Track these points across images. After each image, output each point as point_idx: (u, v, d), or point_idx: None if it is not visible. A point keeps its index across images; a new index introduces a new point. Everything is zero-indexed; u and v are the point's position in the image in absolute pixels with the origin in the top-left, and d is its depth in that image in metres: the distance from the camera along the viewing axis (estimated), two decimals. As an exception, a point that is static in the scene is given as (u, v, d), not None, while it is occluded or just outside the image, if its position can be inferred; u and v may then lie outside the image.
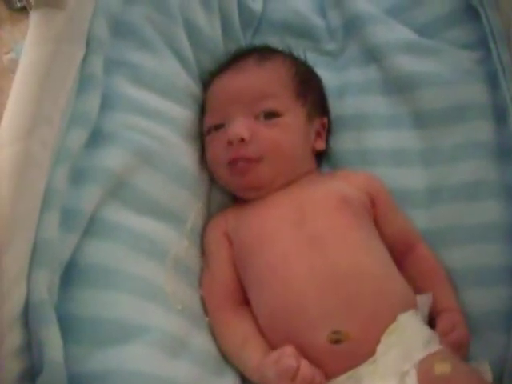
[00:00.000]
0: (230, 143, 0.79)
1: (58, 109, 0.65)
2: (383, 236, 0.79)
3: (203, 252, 0.82)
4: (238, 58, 0.90)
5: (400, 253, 0.79)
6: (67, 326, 0.59)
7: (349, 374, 0.64)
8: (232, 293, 0.78)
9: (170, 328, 0.67)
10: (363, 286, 0.69)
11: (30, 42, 0.63)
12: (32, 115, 0.59)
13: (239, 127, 0.79)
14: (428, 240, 0.82)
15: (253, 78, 0.84)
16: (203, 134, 0.87)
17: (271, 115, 0.81)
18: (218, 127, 0.83)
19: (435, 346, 0.64)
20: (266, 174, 0.80)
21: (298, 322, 0.68)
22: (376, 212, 0.82)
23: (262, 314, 0.73)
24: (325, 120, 0.89)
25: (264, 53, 0.89)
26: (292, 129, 0.82)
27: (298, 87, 0.85)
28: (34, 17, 0.64)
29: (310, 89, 0.88)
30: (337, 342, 0.64)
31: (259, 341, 0.72)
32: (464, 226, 0.81)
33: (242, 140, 0.78)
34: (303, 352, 0.66)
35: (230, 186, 0.85)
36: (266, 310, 0.72)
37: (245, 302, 0.77)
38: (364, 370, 0.64)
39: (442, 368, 0.60)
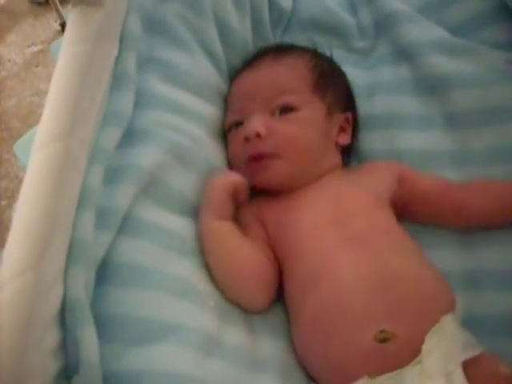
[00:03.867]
0: (246, 139, 0.79)
1: (94, 107, 0.65)
2: (422, 195, 0.80)
3: None
4: (257, 55, 0.90)
5: (450, 194, 0.80)
6: (101, 325, 0.59)
7: (391, 374, 0.63)
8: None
9: (204, 326, 0.67)
10: (410, 288, 0.68)
11: (68, 39, 0.63)
12: (71, 114, 0.59)
13: (255, 123, 0.79)
14: (459, 239, 0.81)
15: (268, 74, 0.84)
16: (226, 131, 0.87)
17: (287, 110, 0.80)
18: (238, 124, 0.83)
19: (476, 349, 0.63)
20: (283, 169, 0.79)
21: (345, 320, 0.67)
22: (406, 183, 0.82)
23: (306, 310, 0.71)
24: (348, 115, 0.88)
25: (282, 49, 0.89)
26: (309, 123, 0.81)
27: (317, 81, 0.84)
28: (72, 15, 0.64)
29: (330, 83, 0.86)
30: (384, 340, 0.64)
31: None
32: (494, 230, 0.79)
33: (258, 135, 0.78)
34: (347, 350, 0.65)
35: (251, 184, 0.85)
36: (311, 308, 0.70)
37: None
38: (409, 371, 0.63)
39: (506, 369, 0.60)
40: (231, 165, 0.86)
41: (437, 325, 0.65)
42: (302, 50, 0.90)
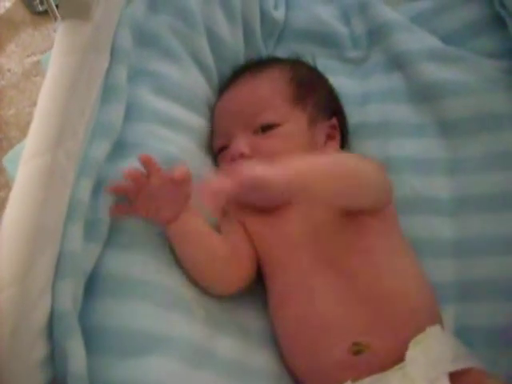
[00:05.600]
0: (232, 160, 0.80)
1: (83, 120, 0.66)
2: None
3: None
4: (234, 74, 0.91)
5: None
6: (90, 337, 0.59)
7: (375, 376, 0.63)
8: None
9: (194, 337, 0.67)
10: (387, 303, 0.68)
11: (57, 52, 0.63)
12: (59, 127, 0.59)
13: (239, 144, 0.80)
14: (453, 249, 0.81)
15: (247, 93, 0.85)
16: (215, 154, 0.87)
17: (269, 127, 0.81)
18: (225, 148, 0.84)
19: (468, 362, 0.63)
20: None
21: (323, 334, 0.67)
22: None
23: (286, 324, 0.72)
24: (334, 121, 0.87)
25: (259, 65, 0.89)
26: (291, 136, 0.81)
27: (294, 92, 0.84)
28: (61, 27, 0.64)
29: (310, 92, 0.86)
30: (358, 352, 0.64)
31: None
32: (489, 237, 0.80)
33: (243, 156, 0.79)
34: (328, 361, 0.66)
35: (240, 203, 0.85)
36: (292, 322, 0.71)
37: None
38: (392, 375, 0.63)
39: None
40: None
41: (421, 334, 0.65)
42: (281, 62, 0.90)
